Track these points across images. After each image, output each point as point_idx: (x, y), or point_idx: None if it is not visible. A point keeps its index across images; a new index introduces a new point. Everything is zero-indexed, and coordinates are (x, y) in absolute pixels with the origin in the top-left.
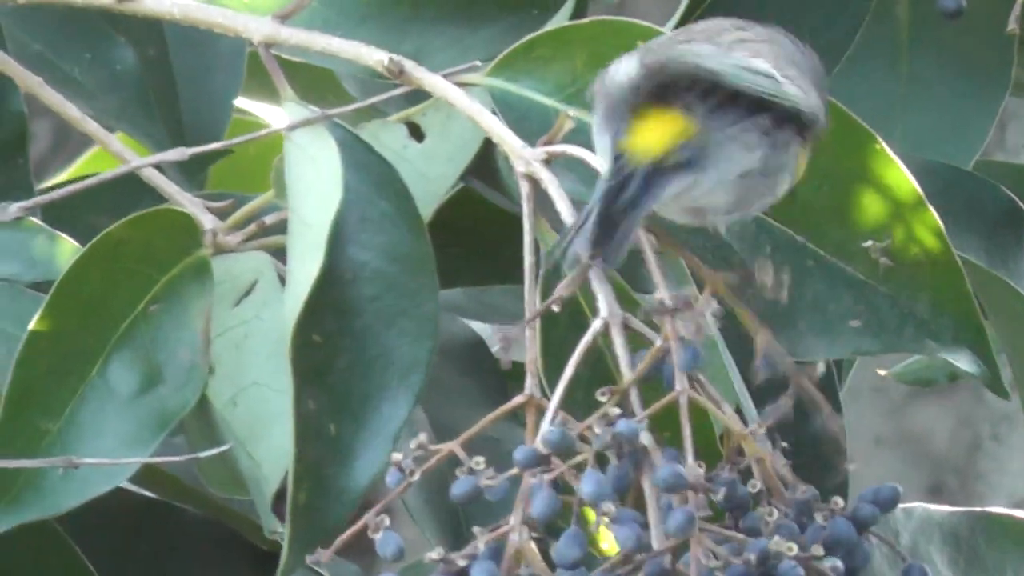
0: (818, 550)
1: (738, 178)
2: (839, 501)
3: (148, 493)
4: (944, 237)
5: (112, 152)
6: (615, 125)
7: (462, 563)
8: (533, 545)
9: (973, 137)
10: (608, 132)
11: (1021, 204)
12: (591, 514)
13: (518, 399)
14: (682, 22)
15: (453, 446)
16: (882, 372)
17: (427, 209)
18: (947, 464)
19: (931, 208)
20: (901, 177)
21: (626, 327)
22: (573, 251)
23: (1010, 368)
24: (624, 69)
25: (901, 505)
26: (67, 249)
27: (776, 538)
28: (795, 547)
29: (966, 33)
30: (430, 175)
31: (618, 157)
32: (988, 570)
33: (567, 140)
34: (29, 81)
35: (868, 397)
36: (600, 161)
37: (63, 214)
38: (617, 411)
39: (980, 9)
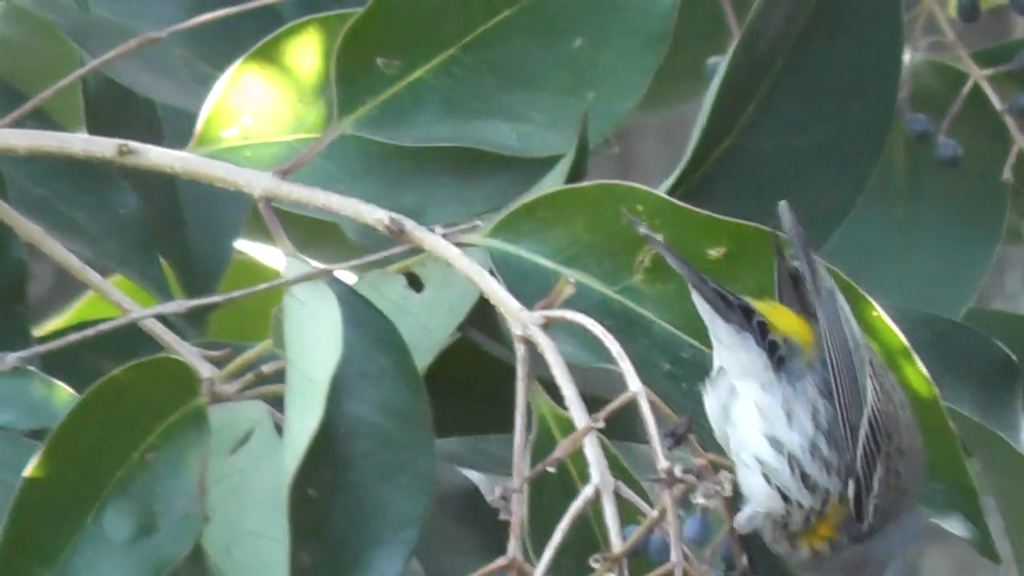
0: None
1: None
2: None
3: None
4: (933, 388)
5: (112, 301)
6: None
7: None
8: None
9: (967, 284)
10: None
11: (1015, 357)
12: None
13: (500, 561)
14: (681, 180)
15: None
16: None
17: (426, 359)
18: None
19: (919, 363)
20: (890, 333)
21: (617, 496)
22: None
23: (1003, 520)
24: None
25: None
26: (64, 396)
27: None
28: None
29: (961, 182)
30: (430, 326)
31: None
32: None
33: (567, 305)
34: (30, 230)
35: None
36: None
37: (61, 358)
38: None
39: (974, 158)
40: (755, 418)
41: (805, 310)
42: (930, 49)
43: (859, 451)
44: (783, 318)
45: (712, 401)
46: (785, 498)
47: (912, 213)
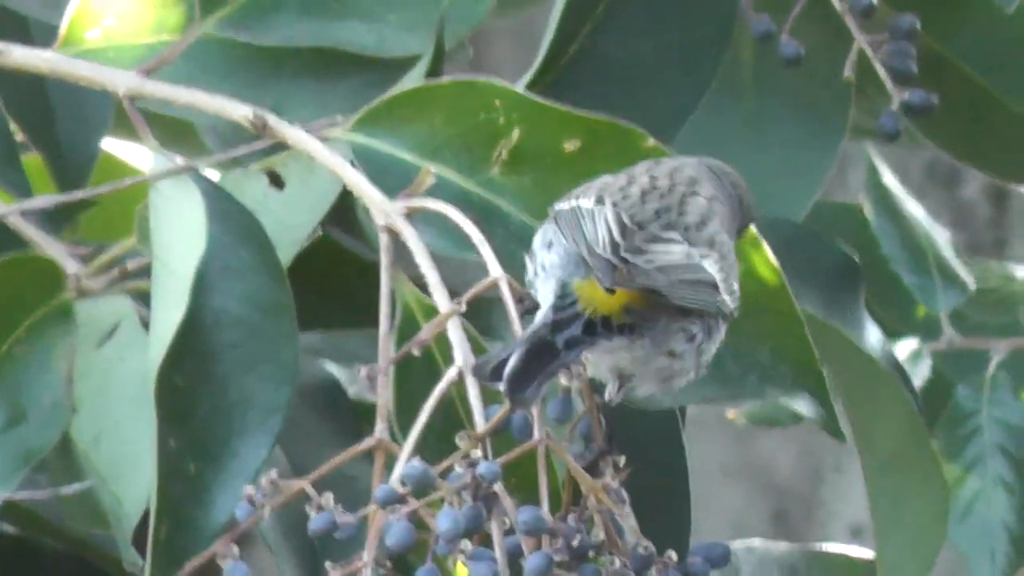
0: None
1: (667, 356)
2: (673, 555)
3: (9, 528)
4: (787, 291)
5: None
6: (570, 268)
7: None
8: None
9: (813, 179)
10: (562, 271)
11: (856, 258)
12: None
13: (368, 442)
14: (535, 80)
15: (303, 483)
16: (731, 415)
17: (287, 255)
18: (790, 493)
19: (766, 245)
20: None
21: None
22: (497, 375)
23: (846, 414)
24: (598, 229)
25: (742, 542)
26: None
27: None
28: None
29: (808, 78)
30: (291, 223)
31: (567, 295)
32: None
33: (428, 195)
34: None
35: (714, 427)
36: (543, 297)
37: None
38: (479, 453)
39: (821, 56)
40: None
41: None
42: None
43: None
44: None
45: None
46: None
47: (760, 108)
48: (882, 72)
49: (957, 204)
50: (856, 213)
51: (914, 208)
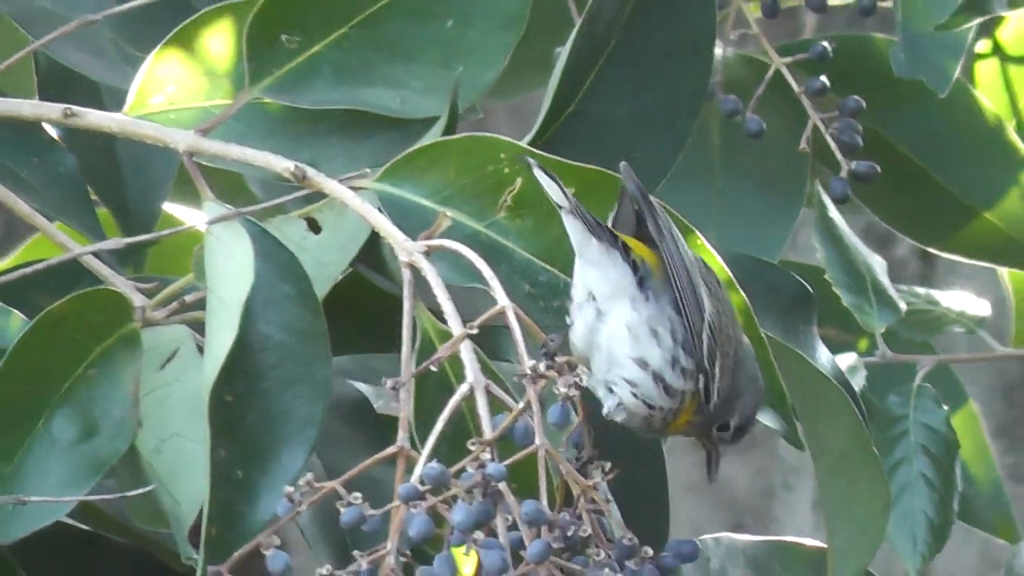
0: None
1: (652, 335)
2: (648, 550)
3: (83, 526)
4: (752, 315)
5: (56, 242)
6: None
7: None
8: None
9: (774, 242)
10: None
11: (810, 289)
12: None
13: (391, 449)
14: (537, 139)
15: (335, 484)
16: None
17: (323, 289)
18: (746, 508)
19: (741, 291)
20: (716, 264)
21: (487, 392)
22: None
23: (800, 426)
24: None
25: (712, 535)
26: (17, 322)
27: (606, 571)
28: None
29: (769, 155)
30: (325, 261)
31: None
32: None
33: (443, 236)
34: None
35: (680, 451)
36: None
37: (12, 294)
38: (488, 456)
39: (778, 135)
40: (624, 340)
41: (645, 243)
42: (739, 41)
43: (704, 352)
44: (636, 245)
45: (579, 327)
46: (649, 406)
47: (727, 184)
48: (833, 144)
49: (890, 261)
50: (807, 270)
51: (855, 240)
